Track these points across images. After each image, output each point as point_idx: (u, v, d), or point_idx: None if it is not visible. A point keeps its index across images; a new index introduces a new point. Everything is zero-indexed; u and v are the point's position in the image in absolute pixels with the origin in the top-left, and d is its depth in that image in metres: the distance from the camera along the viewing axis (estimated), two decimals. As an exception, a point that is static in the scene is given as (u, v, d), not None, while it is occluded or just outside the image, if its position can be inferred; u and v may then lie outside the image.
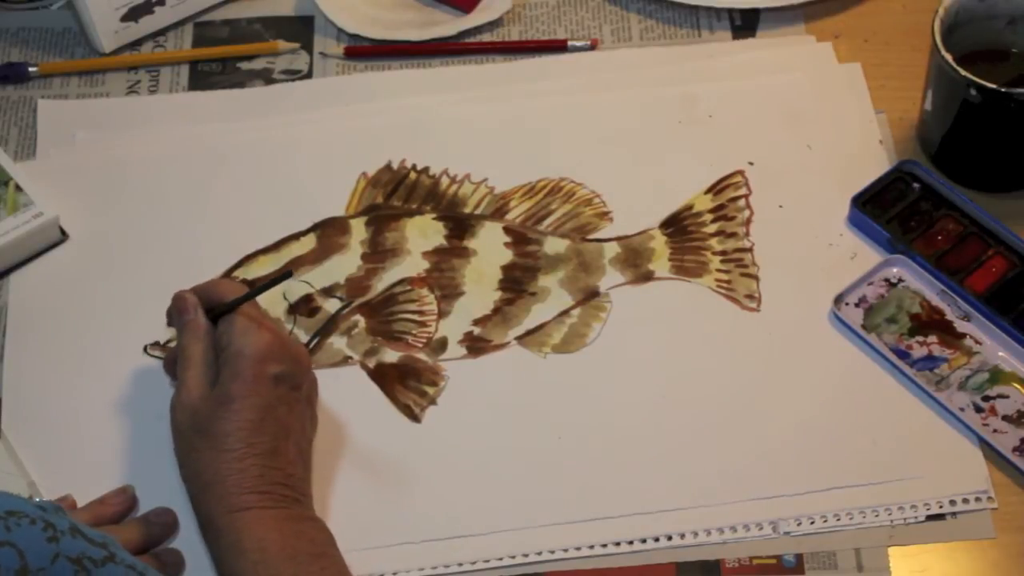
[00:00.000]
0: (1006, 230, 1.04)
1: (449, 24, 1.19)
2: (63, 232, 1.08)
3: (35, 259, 1.07)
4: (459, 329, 1.03)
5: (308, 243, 1.07)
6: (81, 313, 1.05)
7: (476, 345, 1.03)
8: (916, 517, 0.94)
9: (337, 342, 1.03)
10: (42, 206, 1.06)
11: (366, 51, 1.19)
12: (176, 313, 0.96)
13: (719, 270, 1.06)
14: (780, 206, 1.09)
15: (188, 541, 0.93)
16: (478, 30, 1.19)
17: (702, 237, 1.07)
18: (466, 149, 1.12)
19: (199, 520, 0.90)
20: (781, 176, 1.10)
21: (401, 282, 1.06)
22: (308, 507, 0.91)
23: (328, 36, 1.20)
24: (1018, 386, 0.99)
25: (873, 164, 1.09)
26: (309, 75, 1.18)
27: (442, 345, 1.03)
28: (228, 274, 1.06)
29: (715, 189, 1.09)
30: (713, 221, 1.08)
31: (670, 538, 0.94)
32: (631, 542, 0.94)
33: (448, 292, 1.05)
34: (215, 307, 0.95)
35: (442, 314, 1.04)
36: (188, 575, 0.93)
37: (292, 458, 0.91)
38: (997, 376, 0.99)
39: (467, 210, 1.09)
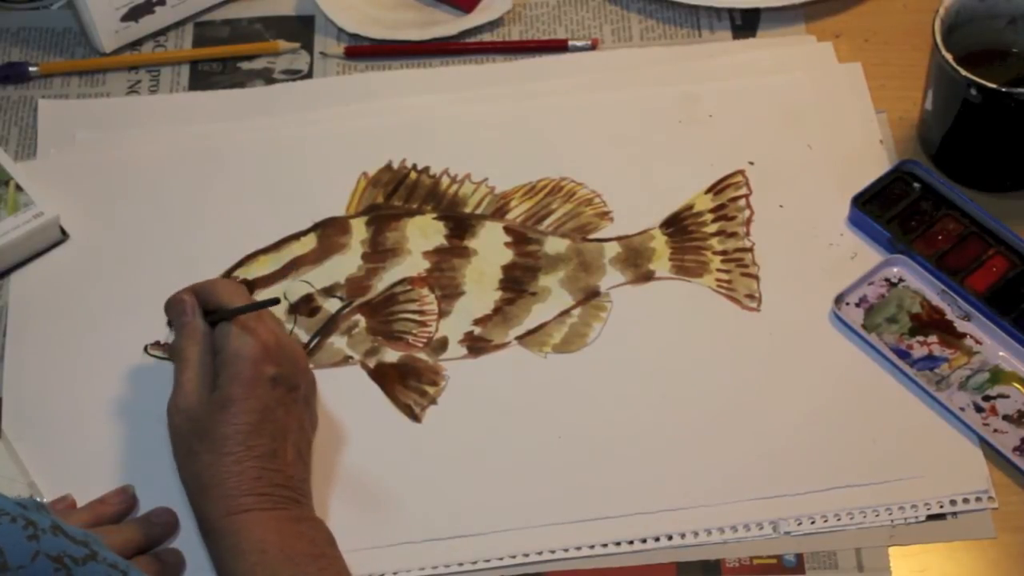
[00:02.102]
0: (1006, 230, 1.04)
1: (449, 24, 1.19)
2: (63, 232, 1.08)
3: (35, 259, 1.07)
4: (459, 329, 1.03)
5: (308, 243, 1.07)
6: (81, 313, 1.05)
7: (476, 345, 1.03)
8: (916, 517, 0.94)
9: (337, 342, 1.03)
10: (42, 206, 1.06)
11: (366, 51, 1.19)
12: (173, 315, 0.96)
13: (719, 270, 1.06)
14: (780, 206, 1.09)
15: (188, 541, 0.93)
16: (478, 30, 1.19)
17: (702, 237, 1.07)
18: (466, 149, 1.12)
19: (198, 522, 0.90)
20: (781, 176, 1.10)
21: (401, 282, 1.06)
22: (308, 508, 0.91)
23: (328, 36, 1.20)
24: (1018, 386, 0.99)
25: (873, 164, 1.09)
26: (309, 75, 1.18)
27: (442, 345, 1.03)
28: (228, 274, 1.06)
29: (715, 189, 1.09)
30: (713, 221, 1.08)
31: (670, 538, 0.94)
32: (631, 542, 0.94)
33: (448, 292, 1.05)
34: (213, 312, 0.95)
35: (442, 314, 1.04)
36: (188, 575, 0.93)
37: (291, 459, 0.91)
38: (997, 376, 0.99)
39: (467, 210, 1.09)
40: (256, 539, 0.86)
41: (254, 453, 0.89)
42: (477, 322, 1.04)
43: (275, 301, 0.95)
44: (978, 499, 0.95)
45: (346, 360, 1.02)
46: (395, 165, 1.11)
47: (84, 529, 0.90)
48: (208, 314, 0.95)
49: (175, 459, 0.92)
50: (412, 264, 1.06)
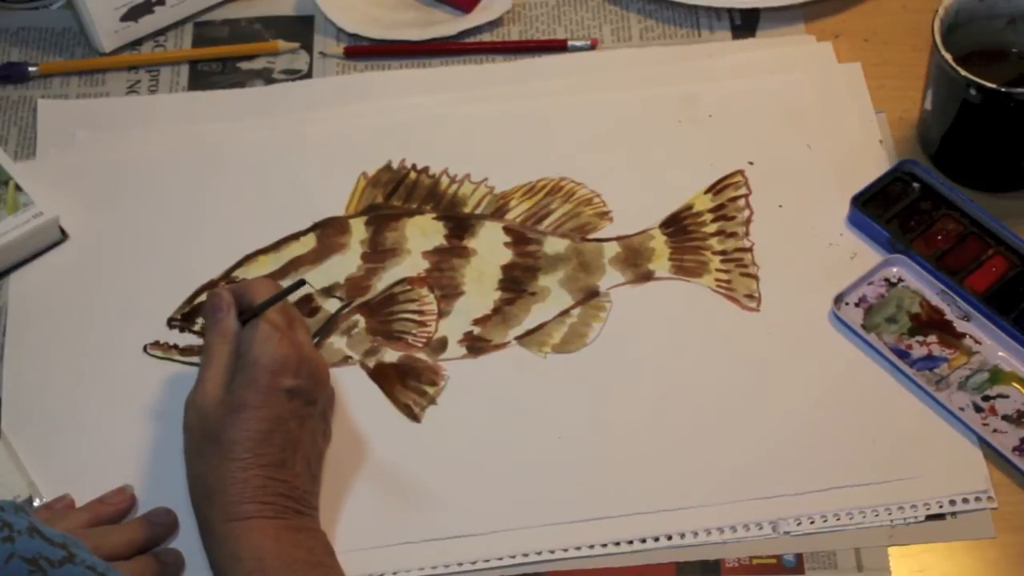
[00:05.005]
0: (1006, 230, 1.04)
1: (449, 24, 1.19)
2: (63, 232, 1.08)
3: (35, 259, 1.07)
4: (459, 329, 1.03)
5: (308, 243, 1.07)
6: (81, 313, 1.05)
7: (476, 345, 1.03)
8: (916, 517, 0.94)
9: (337, 342, 1.03)
10: (42, 206, 1.06)
11: (366, 51, 1.19)
12: (209, 310, 0.95)
13: (719, 270, 1.06)
14: (780, 206, 1.09)
15: (188, 541, 0.93)
16: (478, 30, 1.19)
17: (702, 237, 1.07)
18: (466, 149, 1.12)
19: (200, 525, 0.90)
20: (781, 176, 1.10)
21: (401, 282, 1.06)
22: (311, 519, 0.91)
23: (328, 36, 1.20)
24: (1018, 386, 0.99)
25: (873, 164, 1.09)
26: (309, 75, 1.18)
27: (442, 345, 1.03)
28: (228, 274, 1.06)
29: (715, 189, 1.09)
30: (713, 221, 1.08)
31: (670, 538, 0.94)
32: (631, 542, 0.94)
33: (448, 292, 1.05)
34: (244, 310, 0.94)
35: (442, 314, 1.04)
36: (188, 575, 0.93)
37: (299, 471, 0.90)
38: (997, 376, 0.99)
39: (467, 210, 1.09)
40: (254, 546, 0.86)
41: (261, 461, 0.89)
42: (477, 322, 1.04)
43: (300, 284, 0.94)
44: (977, 499, 0.95)
45: (345, 360, 1.02)
46: (395, 165, 1.11)
47: (81, 530, 0.90)
48: (241, 314, 0.94)
49: (185, 456, 0.92)
50: (412, 264, 1.06)
